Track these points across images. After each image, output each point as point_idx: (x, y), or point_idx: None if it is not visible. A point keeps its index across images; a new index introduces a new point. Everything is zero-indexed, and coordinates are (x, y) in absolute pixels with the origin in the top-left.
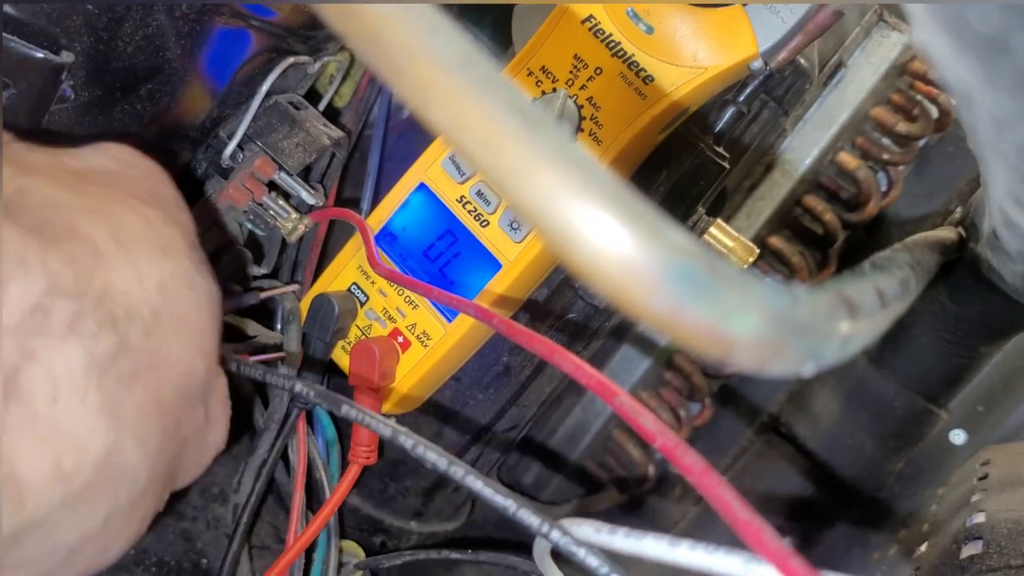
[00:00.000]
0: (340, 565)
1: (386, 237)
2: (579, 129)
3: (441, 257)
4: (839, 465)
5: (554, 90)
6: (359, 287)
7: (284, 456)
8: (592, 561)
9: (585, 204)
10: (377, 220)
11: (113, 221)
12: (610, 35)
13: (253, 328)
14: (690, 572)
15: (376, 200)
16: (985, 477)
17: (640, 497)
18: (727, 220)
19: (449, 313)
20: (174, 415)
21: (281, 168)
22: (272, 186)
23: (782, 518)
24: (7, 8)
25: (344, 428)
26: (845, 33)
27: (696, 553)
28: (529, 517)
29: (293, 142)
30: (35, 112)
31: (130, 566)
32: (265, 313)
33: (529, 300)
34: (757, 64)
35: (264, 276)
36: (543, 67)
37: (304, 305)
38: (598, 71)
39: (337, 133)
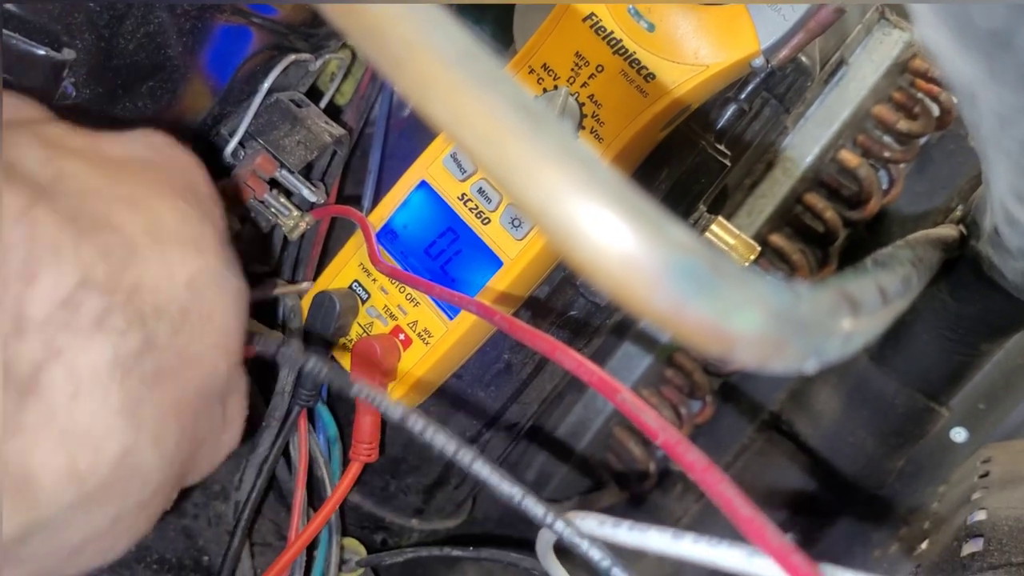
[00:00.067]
0: (342, 562)
1: (387, 235)
2: (580, 127)
3: (442, 255)
4: (840, 463)
5: (555, 88)
6: (360, 284)
7: (285, 453)
8: (595, 554)
9: (587, 201)
10: (378, 218)
11: (148, 214)
12: (611, 33)
13: (254, 326)
14: (693, 566)
15: (377, 198)
16: (986, 475)
17: (641, 494)
18: (728, 218)
19: (450, 310)
20: (193, 416)
21: (282, 165)
22: (273, 183)
23: (783, 515)
24: (8, 5)
25: (345, 426)
26: (846, 31)
27: (699, 546)
28: (534, 507)
29: (294, 140)
30: None
31: (131, 563)
32: (265, 311)
33: (530, 297)
34: (758, 62)
35: (266, 273)
36: (544, 65)
37: (305, 302)
38: (599, 69)
39: (338, 131)
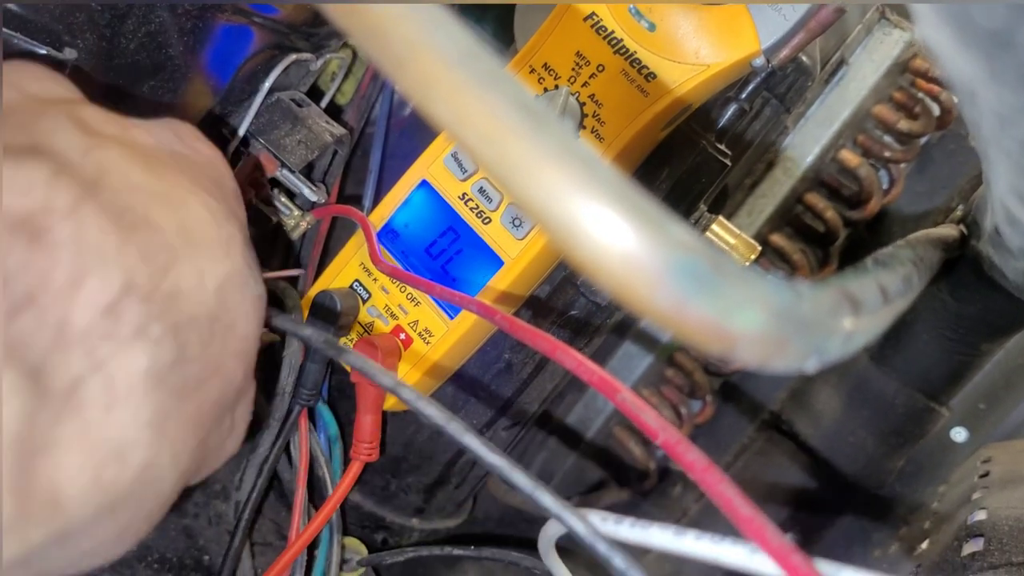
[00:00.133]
0: (342, 562)
1: (388, 234)
2: (581, 126)
3: (443, 254)
4: (840, 462)
5: (556, 87)
6: (361, 284)
7: (286, 453)
8: (601, 547)
9: (589, 200)
10: (379, 217)
11: (182, 212)
12: (612, 32)
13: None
14: (694, 564)
15: (378, 197)
16: (986, 475)
17: (641, 494)
18: (729, 217)
19: (451, 310)
20: (208, 427)
21: (283, 165)
22: (274, 183)
23: (783, 515)
24: (10, 5)
25: (346, 425)
26: (847, 31)
27: (701, 543)
28: (520, 479)
29: (295, 139)
30: None
31: (132, 562)
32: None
33: (531, 297)
34: (759, 61)
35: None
36: (545, 64)
37: (306, 302)
38: (600, 68)
39: (339, 130)
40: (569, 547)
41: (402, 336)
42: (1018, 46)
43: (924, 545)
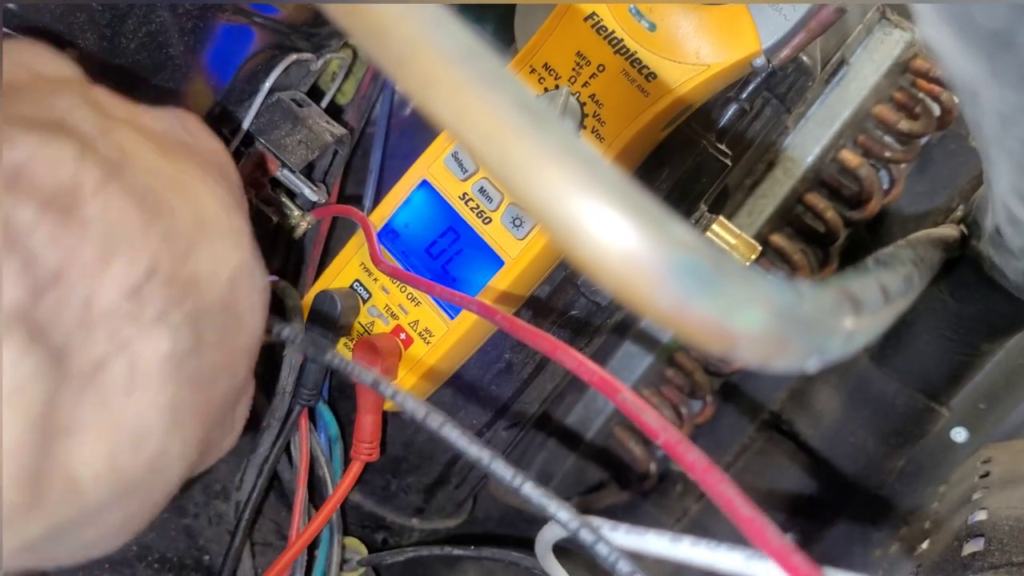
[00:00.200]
0: (343, 562)
1: (389, 234)
2: (581, 126)
3: (443, 254)
4: (840, 462)
5: (557, 87)
6: (362, 284)
7: (287, 453)
8: (602, 549)
9: (590, 199)
10: (380, 217)
11: (195, 200)
12: (612, 32)
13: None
14: (692, 569)
15: (378, 197)
16: (987, 475)
17: (642, 494)
18: (729, 218)
19: (451, 310)
20: (213, 421)
21: (284, 165)
22: (275, 183)
23: (783, 515)
24: (10, 4)
25: (346, 425)
26: (847, 31)
27: (698, 549)
28: (503, 469)
29: (296, 139)
30: None
31: (132, 562)
32: None
33: (531, 297)
34: (760, 61)
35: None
36: (546, 64)
37: (307, 302)
38: (600, 68)
39: (340, 130)
40: (568, 547)
41: (402, 336)
42: (1019, 45)
43: (924, 545)
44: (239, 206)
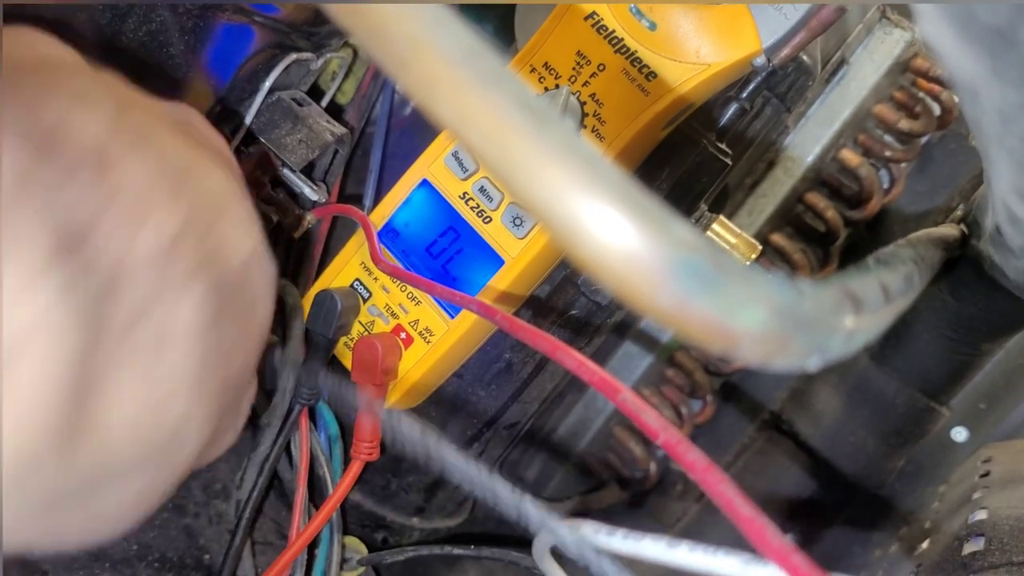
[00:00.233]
0: (343, 561)
1: (389, 233)
2: (582, 126)
3: (444, 253)
4: (840, 462)
5: (557, 87)
6: (362, 283)
7: (287, 452)
8: (590, 556)
9: (591, 199)
10: (380, 216)
11: (212, 182)
12: (613, 31)
13: None
14: (689, 573)
15: (379, 197)
16: (987, 474)
17: (642, 494)
18: (729, 217)
19: (452, 309)
20: (225, 404)
21: (284, 164)
22: (275, 182)
23: (783, 515)
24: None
25: (347, 424)
26: (847, 30)
27: (695, 554)
28: (533, 510)
29: (296, 138)
30: None
31: (133, 561)
32: None
33: (531, 297)
34: (760, 60)
35: None
36: (546, 63)
37: (307, 301)
38: (601, 67)
39: (340, 129)
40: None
41: (402, 335)
42: (1021, 44)
43: (924, 545)
44: (246, 195)
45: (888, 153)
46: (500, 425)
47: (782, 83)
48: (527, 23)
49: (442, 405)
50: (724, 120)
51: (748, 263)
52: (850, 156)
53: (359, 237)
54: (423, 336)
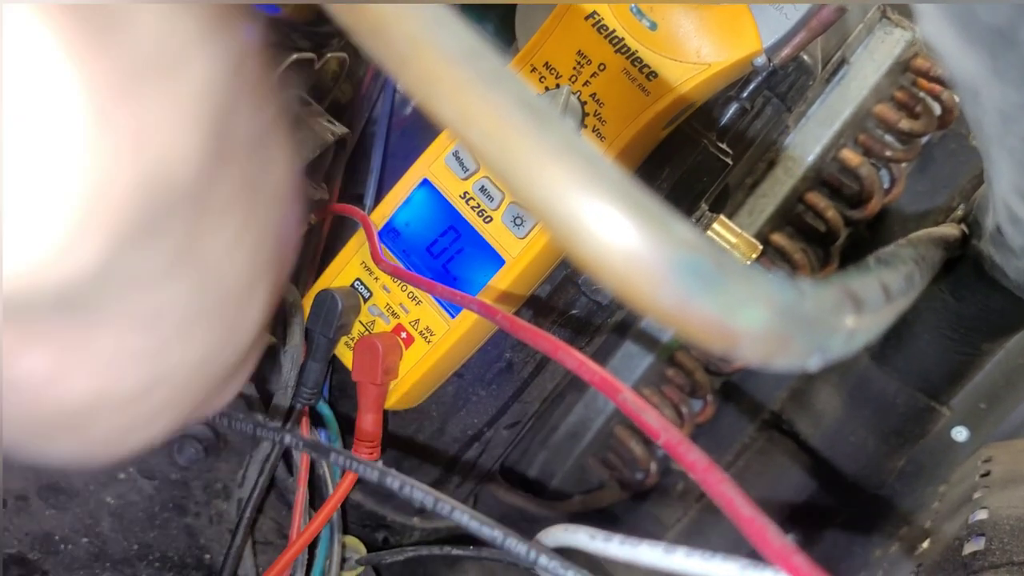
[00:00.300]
0: (343, 561)
1: (389, 233)
2: (582, 125)
3: (444, 253)
4: (841, 462)
5: (557, 86)
6: (362, 283)
7: (287, 452)
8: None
9: (592, 198)
10: (380, 216)
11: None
12: (613, 31)
13: None
14: None
15: (379, 196)
16: (987, 474)
17: (642, 494)
18: (730, 217)
19: (452, 309)
20: (261, 325)
21: None
22: None
23: (783, 515)
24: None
25: (347, 424)
26: (848, 30)
27: (692, 560)
28: (517, 546)
29: (296, 138)
30: None
31: (133, 561)
32: None
33: (532, 296)
34: (760, 60)
35: None
36: (546, 63)
37: (307, 301)
38: (601, 67)
39: (340, 129)
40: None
41: (403, 335)
42: (1022, 43)
43: (925, 545)
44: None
45: (888, 153)
46: (500, 425)
47: (783, 83)
48: (528, 23)
49: (442, 405)
50: (725, 120)
51: (749, 263)
52: (851, 156)
53: (360, 237)
54: (424, 336)
